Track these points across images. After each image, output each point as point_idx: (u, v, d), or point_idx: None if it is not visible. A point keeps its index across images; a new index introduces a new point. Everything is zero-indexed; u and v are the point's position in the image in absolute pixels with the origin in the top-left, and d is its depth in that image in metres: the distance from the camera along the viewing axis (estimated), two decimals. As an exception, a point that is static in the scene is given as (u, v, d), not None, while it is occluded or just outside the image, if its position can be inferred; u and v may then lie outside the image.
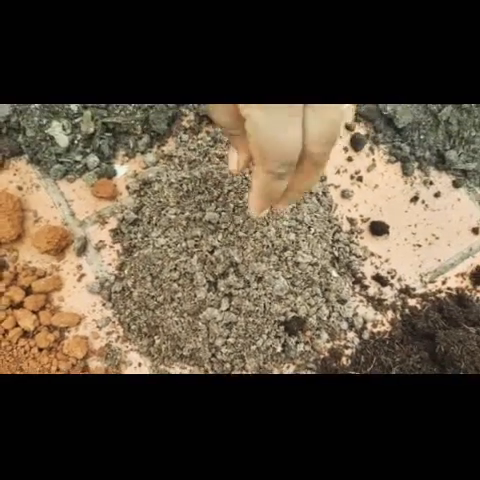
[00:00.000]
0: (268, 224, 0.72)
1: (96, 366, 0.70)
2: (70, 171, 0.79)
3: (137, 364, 0.72)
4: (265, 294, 0.70)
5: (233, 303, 0.69)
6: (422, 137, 0.84)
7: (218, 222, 0.71)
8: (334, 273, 0.77)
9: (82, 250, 0.76)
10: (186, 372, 0.72)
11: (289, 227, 0.73)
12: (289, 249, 0.72)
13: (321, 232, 0.77)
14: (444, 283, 0.80)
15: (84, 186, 0.79)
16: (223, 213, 0.71)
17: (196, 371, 0.72)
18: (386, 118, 0.85)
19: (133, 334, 0.73)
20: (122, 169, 0.81)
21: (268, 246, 0.70)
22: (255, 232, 0.70)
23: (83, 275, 0.75)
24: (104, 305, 0.74)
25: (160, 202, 0.76)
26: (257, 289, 0.69)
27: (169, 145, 0.83)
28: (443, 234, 0.83)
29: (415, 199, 0.84)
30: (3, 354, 0.68)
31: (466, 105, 0.81)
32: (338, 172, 0.84)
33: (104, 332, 0.73)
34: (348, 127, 0.86)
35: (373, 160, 0.85)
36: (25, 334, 0.70)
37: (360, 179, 0.84)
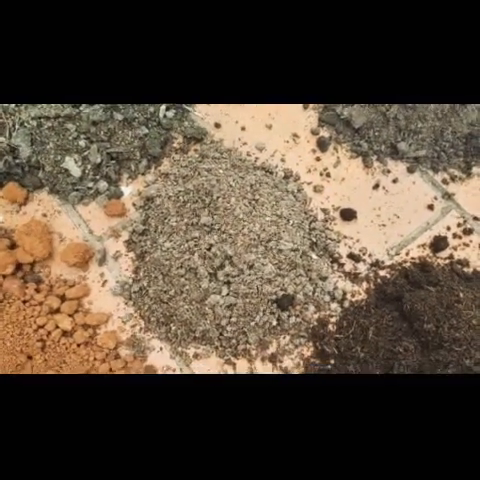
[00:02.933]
0: (253, 221, 0.87)
1: (126, 353, 0.85)
2: (85, 196, 0.94)
3: (159, 348, 0.87)
4: (257, 278, 0.84)
5: (231, 288, 0.84)
6: (377, 133, 1.00)
7: (212, 224, 0.86)
8: (314, 255, 0.92)
9: (103, 260, 0.91)
10: (200, 351, 0.87)
11: (271, 222, 0.88)
12: (273, 239, 0.87)
13: (298, 223, 0.92)
14: (408, 254, 0.95)
15: (97, 207, 0.94)
16: (215, 216, 0.86)
17: (208, 349, 0.87)
18: (344, 121, 1.01)
19: (153, 324, 0.88)
20: (128, 189, 0.96)
21: (255, 239, 0.85)
22: (243, 229, 0.85)
23: (106, 281, 0.90)
24: (126, 304, 0.89)
25: (162, 213, 0.91)
26: (250, 275, 0.84)
27: (164, 165, 0.98)
28: (403, 213, 0.97)
29: (376, 186, 0.99)
30: (48, 351, 0.83)
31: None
32: (309, 171, 0.99)
33: (129, 326, 0.88)
34: (313, 132, 1.02)
35: (338, 157, 1.01)
36: (65, 333, 0.84)
37: (328, 175, 0.99)
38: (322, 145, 1.00)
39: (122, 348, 0.86)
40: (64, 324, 0.84)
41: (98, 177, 0.95)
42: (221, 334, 0.86)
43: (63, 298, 0.87)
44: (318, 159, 1.00)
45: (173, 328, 0.87)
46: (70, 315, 0.85)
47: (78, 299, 0.87)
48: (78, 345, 0.84)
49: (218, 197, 0.87)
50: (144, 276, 0.89)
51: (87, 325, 0.86)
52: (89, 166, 0.93)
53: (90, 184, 0.94)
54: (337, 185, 0.99)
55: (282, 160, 1.00)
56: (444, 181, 1.00)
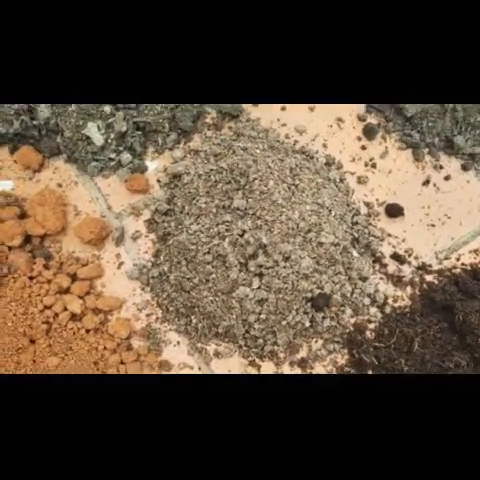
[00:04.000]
0: (292, 208, 0.77)
1: (139, 345, 0.76)
2: (105, 168, 0.85)
3: (176, 342, 0.77)
4: (293, 272, 0.75)
5: (263, 281, 0.75)
6: (431, 124, 0.90)
7: (246, 208, 0.77)
8: (355, 253, 0.82)
9: (120, 240, 0.82)
10: (221, 349, 0.77)
11: (311, 211, 0.79)
12: (313, 231, 0.77)
13: (341, 215, 0.82)
14: (458, 259, 0.85)
15: (118, 181, 0.85)
16: (250, 200, 0.77)
17: (231, 347, 0.77)
18: (396, 108, 0.91)
19: (171, 315, 0.79)
20: (153, 164, 0.87)
21: (293, 228, 0.76)
22: (280, 216, 0.76)
23: (122, 263, 0.81)
24: (143, 289, 0.80)
25: (190, 192, 0.81)
26: (285, 268, 0.75)
27: (195, 141, 0.89)
28: (455, 214, 0.88)
29: (427, 182, 0.89)
30: (54, 336, 0.74)
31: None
32: (353, 160, 0.90)
33: (144, 314, 0.78)
34: (360, 118, 0.92)
35: (386, 147, 0.91)
36: (73, 317, 0.75)
37: (374, 166, 0.90)
38: (369, 133, 0.91)
39: (135, 338, 0.77)
40: (73, 306, 0.75)
41: (121, 148, 0.85)
42: (247, 332, 0.77)
43: (74, 277, 0.78)
44: (364, 148, 0.91)
45: (194, 321, 0.77)
46: (80, 297, 0.76)
47: (90, 280, 0.78)
48: (87, 331, 0.75)
49: (254, 179, 0.78)
50: (165, 260, 0.80)
51: (98, 310, 0.77)
52: (113, 135, 0.84)
53: (112, 155, 0.85)
54: (383, 178, 0.90)
55: (324, 146, 0.91)
56: (501, 182, 0.91)
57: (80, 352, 0.73)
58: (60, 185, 0.84)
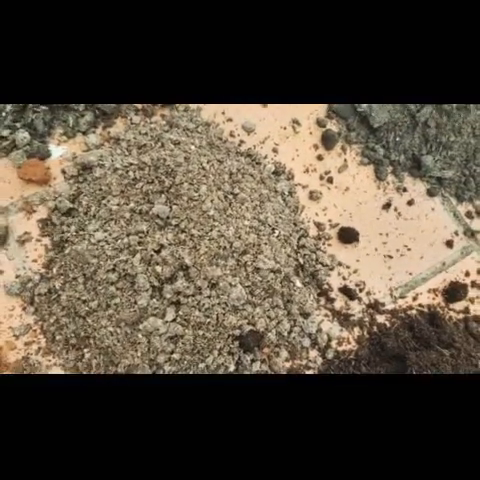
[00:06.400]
0: (227, 222, 0.62)
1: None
2: (-6, 147, 0.66)
3: (61, 382, 0.60)
4: (219, 303, 0.60)
5: (181, 313, 0.59)
6: (398, 139, 0.78)
7: (168, 217, 0.61)
8: (298, 283, 0.68)
9: (2, 242, 0.63)
10: (120, 393, 0.61)
11: (250, 227, 0.64)
12: (249, 252, 0.62)
13: (286, 235, 0.68)
14: (415, 299, 0.73)
15: (10, 166, 0.66)
16: (175, 206, 0.61)
17: (132, 392, 0.61)
18: (361, 116, 0.78)
19: (58, 346, 0.61)
20: (58, 150, 0.69)
21: (225, 247, 0.61)
22: (211, 231, 0.60)
23: (0, 272, 0.62)
24: (24, 309, 0.61)
25: (101, 190, 0.64)
26: (210, 297, 0.59)
27: (117, 126, 0.72)
28: (415, 245, 0.76)
29: (387, 206, 0.77)
30: None
31: (447, 107, 0.75)
32: (307, 171, 0.76)
33: (22, 342, 0.60)
34: (319, 122, 0.78)
35: (345, 160, 0.78)
36: None
37: (330, 180, 0.76)
38: (328, 141, 0.77)
39: (6, 373, 0.58)
40: None
41: (18, 124, 0.67)
42: (154, 374, 0.60)
43: None
44: (320, 158, 0.77)
45: (87, 355, 0.60)
46: None
47: (-48, 293, 0.59)
48: None
49: (183, 181, 0.62)
50: (58, 274, 0.62)
51: (-43, 333, 0.58)
52: (8, 107, 0.66)
53: (5, 132, 0.66)
54: (339, 195, 0.76)
55: (274, 151, 0.76)
56: (468, 214, 0.80)
57: None
58: None
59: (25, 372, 0.58)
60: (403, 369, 0.65)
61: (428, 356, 0.65)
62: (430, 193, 0.79)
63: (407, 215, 0.77)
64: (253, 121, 0.77)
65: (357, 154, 0.79)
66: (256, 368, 0.63)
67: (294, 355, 0.67)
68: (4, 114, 0.66)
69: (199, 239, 0.60)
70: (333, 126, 0.79)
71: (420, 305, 0.73)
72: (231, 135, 0.76)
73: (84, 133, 0.70)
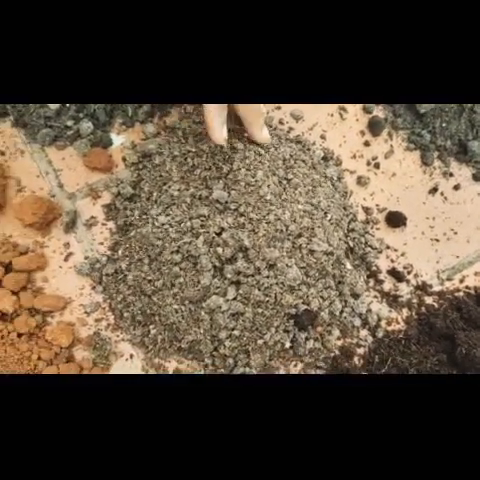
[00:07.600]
0: (283, 206, 0.65)
1: (83, 356, 0.62)
2: (60, 137, 0.70)
3: (128, 356, 0.64)
4: (276, 283, 0.63)
5: (241, 292, 0.62)
6: (444, 125, 0.79)
7: (227, 201, 0.64)
8: (348, 265, 0.70)
9: (71, 226, 0.67)
10: (183, 367, 0.65)
11: (304, 211, 0.66)
12: (304, 235, 0.65)
13: (337, 219, 0.70)
14: (462, 281, 0.75)
15: (75, 155, 0.70)
16: (233, 192, 0.64)
17: (195, 366, 0.65)
18: (407, 102, 0.79)
19: (126, 322, 0.65)
20: (119, 139, 0.72)
21: (282, 231, 0.63)
22: (268, 215, 0.63)
23: (71, 254, 0.66)
24: (94, 288, 0.66)
25: (161, 176, 0.68)
26: (268, 277, 0.62)
27: (172, 116, 0.75)
28: (462, 229, 0.77)
29: (434, 190, 0.79)
30: (-25, 339, 0.59)
31: (495, 92, 0.76)
32: (354, 157, 0.78)
33: (92, 319, 0.65)
34: (366, 109, 0.80)
35: (391, 146, 0.79)
36: (3, 317, 0.61)
37: (377, 166, 0.78)
38: (374, 127, 0.79)
39: (78, 348, 0.63)
40: (4, 304, 0.60)
41: (82, 115, 0.71)
42: (216, 349, 0.64)
43: (8, 267, 0.63)
44: (367, 144, 0.79)
45: (152, 331, 0.64)
46: (14, 293, 0.62)
47: (29, 272, 0.64)
48: (19, 336, 0.61)
49: (240, 167, 0.65)
50: (124, 256, 0.66)
51: (35, 310, 0.62)
52: (73, 98, 0.69)
53: (70, 122, 0.70)
54: (386, 180, 0.78)
55: (322, 137, 0.78)
56: (514, 198, 0.81)
57: (7, 361, 0.59)
58: (3, 153, 0.69)
59: (97, 346, 0.63)
60: (452, 348, 0.67)
61: (477, 335, 0.67)
62: (476, 178, 0.80)
63: (453, 199, 0.79)
64: (301, 108, 0.79)
65: (403, 140, 0.80)
66: (310, 346, 0.67)
67: (345, 334, 0.69)
68: (68, 105, 0.70)
69: (257, 222, 0.63)
70: (379, 112, 0.81)
71: (467, 287, 0.75)
72: (280, 122, 0.78)
73: (142, 122, 0.74)
